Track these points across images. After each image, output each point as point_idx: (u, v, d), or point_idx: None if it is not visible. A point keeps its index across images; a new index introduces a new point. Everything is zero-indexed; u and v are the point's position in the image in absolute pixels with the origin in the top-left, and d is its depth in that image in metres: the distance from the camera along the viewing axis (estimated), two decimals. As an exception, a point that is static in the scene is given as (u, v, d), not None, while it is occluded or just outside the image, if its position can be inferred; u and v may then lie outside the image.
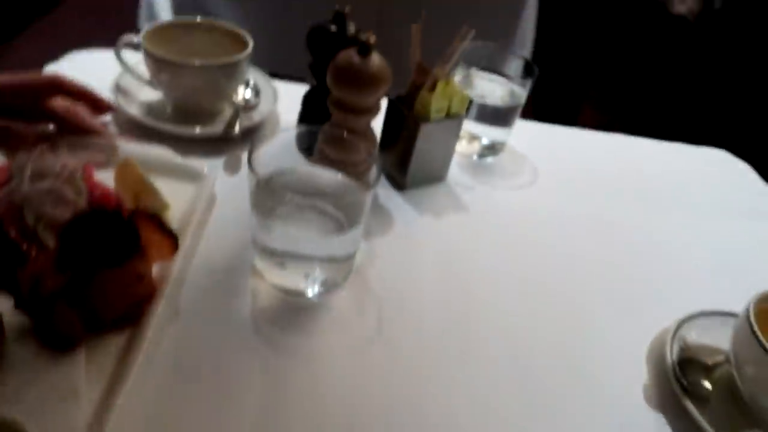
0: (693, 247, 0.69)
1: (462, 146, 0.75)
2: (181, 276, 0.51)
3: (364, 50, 0.58)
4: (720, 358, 0.52)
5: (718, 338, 0.54)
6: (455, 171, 0.72)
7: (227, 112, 0.70)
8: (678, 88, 2.31)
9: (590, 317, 0.58)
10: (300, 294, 0.53)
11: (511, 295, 0.58)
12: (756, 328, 0.47)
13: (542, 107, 2.12)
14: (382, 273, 0.57)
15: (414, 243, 0.62)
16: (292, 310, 0.52)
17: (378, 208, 0.65)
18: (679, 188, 0.80)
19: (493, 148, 0.76)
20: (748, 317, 0.48)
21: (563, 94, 2.25)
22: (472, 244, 0.63)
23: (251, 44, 0.68)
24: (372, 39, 0.58)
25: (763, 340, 0.46)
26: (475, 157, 0.76)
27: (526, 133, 0.81)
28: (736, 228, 0.74)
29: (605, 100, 2.49)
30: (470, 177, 0.73)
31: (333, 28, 0.65)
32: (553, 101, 2.19)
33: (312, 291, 0.53)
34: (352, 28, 0.65)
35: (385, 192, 0.68)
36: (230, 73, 0.67)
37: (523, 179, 0.75)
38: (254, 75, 0.75)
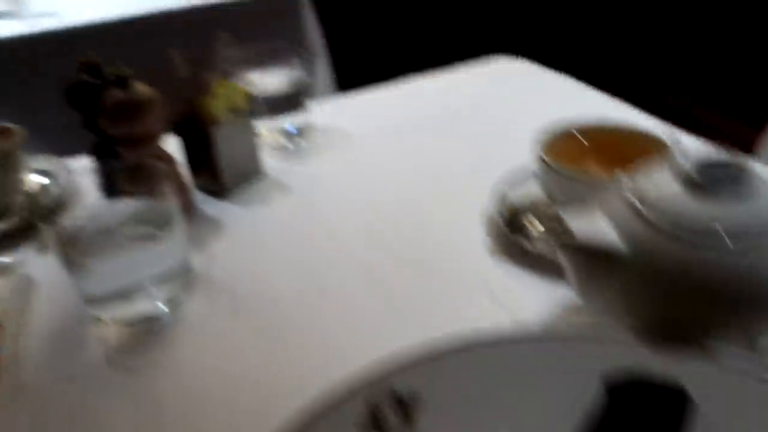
0: (506, 134, 0.77)
1: (270, 139, 0.77)
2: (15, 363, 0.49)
3: (122, 82, 0.59)
4: (544, 204, 0.58)
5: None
6: (272, 163, 0.74)
7: (22, 202, 0.68)
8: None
9: (428, 208, 0.65)
10: (150, 319, 0.52)
11: (356, 242, 0.61)
12: (546, 157, 0.53)
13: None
14: (224, 273, 0.58)
15: (248, 237, 0.63)
16: (148, 337, 0.51)
17: (205, 221, 0.65)
18: (481, 99, 0.88)
19: (300, 132, 0.79)
20: (538, 154, 0.54)
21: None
22: (301, 216, 0.66)
23: (19, 132, 0.67)
24: (126, 71, 0.59)
25: (554, 163, 0.52)
26: (287, 145, 0.78)
27: (333, 108, 0.87)
28: (531, 107, 0.83)
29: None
30: (287, 164, 0.75)
31: (89, 78, 0.64)
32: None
33: (160, 312, 0.52)
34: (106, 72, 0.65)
35: (209, 204, 0.68)
36: (4, 164, 0.65)
37: (338, 150, 0.78)
38: (41, 161, 0.73)
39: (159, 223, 0.51)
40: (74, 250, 0.49)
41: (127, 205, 0.55)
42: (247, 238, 0.63)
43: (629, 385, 0.36)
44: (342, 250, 0.59)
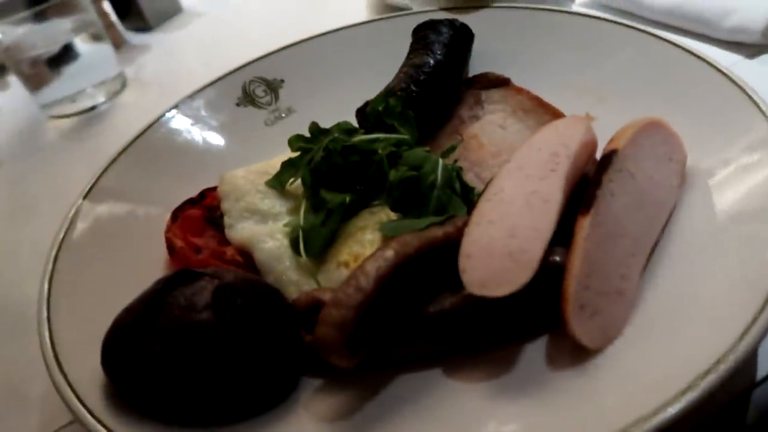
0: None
1: None
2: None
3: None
4: None
5: None
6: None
7: None
8: None
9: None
10: (93, 108, 0.89)
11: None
12: None
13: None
14: (152, 75, 0.98)
15: (170, 51, 1.02)
16: (92, 120, 0.87)
17: (135, 47, 1.05)
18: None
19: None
20: None
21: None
22: (214, 32, 1.03)
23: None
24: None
25: None
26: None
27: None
28: None
29: None
30: None
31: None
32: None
33: (100, 103, 0.90)
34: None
35: (138, 37, 1.07)
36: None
37: None
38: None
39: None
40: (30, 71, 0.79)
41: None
42: (169, 51, 0.96)
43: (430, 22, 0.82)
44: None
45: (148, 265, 0.67)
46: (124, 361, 0.51)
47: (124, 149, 0.79)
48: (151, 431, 0.49)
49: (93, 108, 0.97)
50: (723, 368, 0.41)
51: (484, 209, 0.57)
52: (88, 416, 0.49)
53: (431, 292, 0.56)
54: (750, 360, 0.51)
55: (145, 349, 0.50)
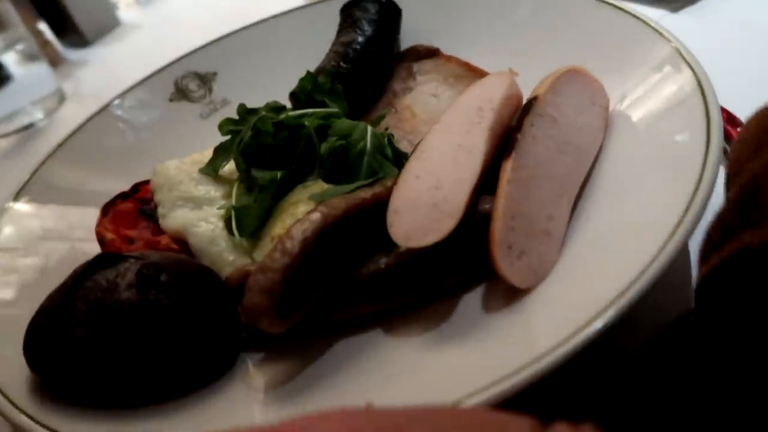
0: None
1: None
2: None
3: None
4: None
5: None
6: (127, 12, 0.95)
7: None
8: None
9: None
10: (30, 125, 0.83)
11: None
12: None
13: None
14: (90, 88, 0.93)
15: (109, 64, 0.97)
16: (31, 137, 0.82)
17: (73, 63, 1.00)
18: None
19: None
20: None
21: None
22: (153, 43, 0.94)
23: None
24: None
25: None
26: None
27: None
28: None
29: None
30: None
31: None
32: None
33: (37, 120, 0.86)
34: None
35: (76, 53, 1.01)
36: None
37: None
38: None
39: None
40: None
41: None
42: (108, 65, 0.94)
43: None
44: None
45: (80, 262, 0.65)
46: (46, 349, 0.49)
47: (54, 151, 0.77)
48: (78, 419, 0.47)
49: (31, 125, 0.95)
50: (640, 283, 0.41)
51: (412, 167, 0.57)
52: (13, 409, 0.47)
53: (366, 254, 0.55)
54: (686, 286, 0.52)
55: (67, 334, 0.48)
